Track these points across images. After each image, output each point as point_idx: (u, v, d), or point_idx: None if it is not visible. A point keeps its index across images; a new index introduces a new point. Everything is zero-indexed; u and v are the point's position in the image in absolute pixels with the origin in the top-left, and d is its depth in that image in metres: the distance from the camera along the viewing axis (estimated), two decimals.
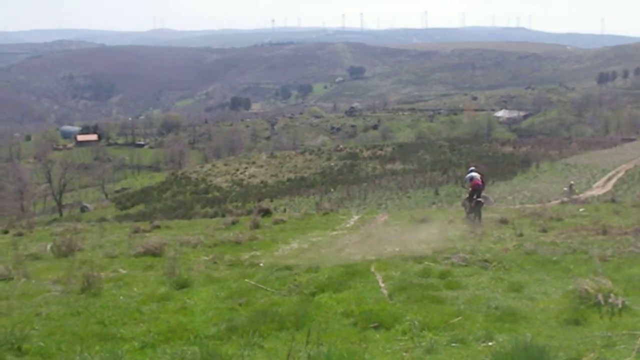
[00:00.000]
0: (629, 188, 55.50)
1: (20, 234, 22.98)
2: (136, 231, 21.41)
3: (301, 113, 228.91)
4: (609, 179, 64.23)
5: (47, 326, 7.96)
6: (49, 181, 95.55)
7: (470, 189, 21.76)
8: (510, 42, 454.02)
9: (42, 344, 7.14)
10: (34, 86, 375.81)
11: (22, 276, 11.53)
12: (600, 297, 7.70)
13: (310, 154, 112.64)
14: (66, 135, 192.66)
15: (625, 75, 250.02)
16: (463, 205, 23.63)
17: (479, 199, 21.43)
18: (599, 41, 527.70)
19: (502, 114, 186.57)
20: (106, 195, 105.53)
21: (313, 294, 9.23)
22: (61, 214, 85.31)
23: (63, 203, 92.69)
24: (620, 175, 66.56)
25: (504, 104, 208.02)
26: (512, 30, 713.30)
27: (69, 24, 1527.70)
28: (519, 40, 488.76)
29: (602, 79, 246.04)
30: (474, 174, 22.05)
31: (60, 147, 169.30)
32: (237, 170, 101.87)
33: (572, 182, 46.05)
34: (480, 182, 21.81)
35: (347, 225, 20.57)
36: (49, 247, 16.20)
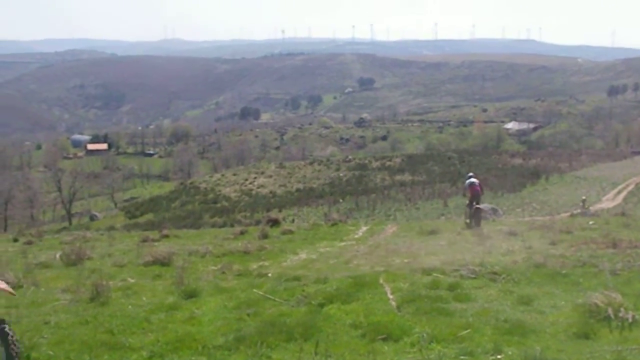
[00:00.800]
0: (639, 201, 55.19)
1: (29, 242, 23.03)
2: (145, 240, 21.42)
3: (310, 123, 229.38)
4: (619, 192, 63.91)
5: (56, 335, 7.98)
6: (59, 190, 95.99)
7: (469, 195, 22.17)
8: (520, 54, 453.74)
9: (51, 352, 7.17)
10: (45, 95, 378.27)
11: (32, 284, 11.58)
12: (610, 311, 7.67)
13: (319, 164, 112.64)
14: (76, 144, 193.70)
15: (636, 88, 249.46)
16: (465, 213, 23.90)
17: (478, 206, 21.79)
18: (609, 54, 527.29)
19: (511, 125, 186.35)
20: (115, 204, 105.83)
21: (321, 305, 9.22)
22: (70, 223, 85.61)
23: (72, 212, 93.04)
24: (630, 188, 66.22)
25: (513, 116, 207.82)
26: (522, 43, 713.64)
27: (81, 33, 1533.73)
28: (529, 53, 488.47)
29: (613, 91, 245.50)
30: (472, 180, 22.51)
31: (71, 156, 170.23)
32: (246, 180, 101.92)
33: (584, 197, 45.89)
34: (478, 188, 22.59)
35: (356, 236, 20.51)
36: (58, 255, 16.25)
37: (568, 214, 35.50)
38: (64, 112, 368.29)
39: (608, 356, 6.45)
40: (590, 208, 45.90)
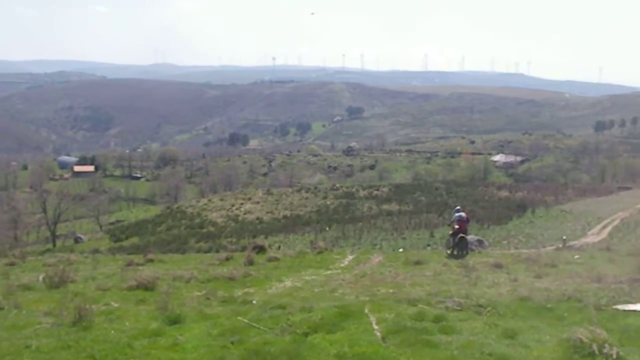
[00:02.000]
0: (624, 236, 55.42)
1: (12, 264, 22.82)
2: (129, 264, 21.29)
3: (299, 151, 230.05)
4: (605, 227, 64.21)
5: (37, 359, 7.89)
6: (44, 211, 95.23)
7: (457, 227, 22.45)
8: (508, 88, 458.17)
9: None
10: (33, 116, 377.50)
11: (13, 307, 11.46)
12: (594, 347, 7.67)
13: (307, 191, 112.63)
14: (63, 166, 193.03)
15: (623, 124, 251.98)
16: (447, 242, 24.17)
17: (462, 235, 22.09)
18: (596, 89, 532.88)
19: (499, 158, 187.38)
20: (100, 226, 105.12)
21: (306, 334, 9.17)
22: (54, 245, 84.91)
23: (57, 233, 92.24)
24: (615, 223, 66.56)
25: (501, 148, 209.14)
26: (511, 76, 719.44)
27: (71, 55, 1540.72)
28: (517, 86, 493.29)
29: (599, 127, 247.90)
30: (461, 214, 22.87)
31: (57, 177, 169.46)
32: (233, 205, 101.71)
33: (564, 237, 46.12)
34: (466, 224, 23.14)
35: (342, 265, 20.49)
36: (41, 277, 16.12)
37: (553, 247, 35.60)
38: (51, 133, 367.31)
39: None
40: (575, 243, 46.07)
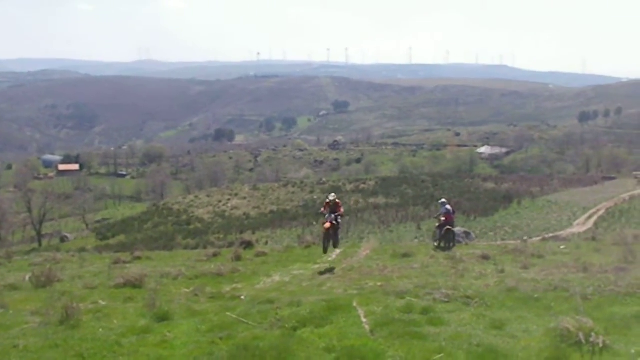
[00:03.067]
0: (609, 226, 55.80)
1: None
2: (116, 262, 21.22)
3: (285, 146, 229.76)
4: (590, 217, 64.64)
5: (25, 359, 7.85)
6: (29, 210, 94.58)
7: (443, 219, 22.45)
8: (493, 80, 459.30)
9: None
10: (16, 115, 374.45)
11: (0, 307, 11.39)
12: (581, 335, 7.72)
13: (293, 186, 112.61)
14: (47, 165, 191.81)
15: (607, 114, 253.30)
16: (434, 234, 24.22)
17: (449, 227, 22.12)
18: (580, 80, 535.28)
19: (484, 150, 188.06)
20: (87, 225, 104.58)
21: (295, 329, 9.18)
22: (40, 244, 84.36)
23: (43, 233, 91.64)
24: (601, 213, 67.01)
25: (486, 140, 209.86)
26: (496, 68, 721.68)
27: (54, 53, 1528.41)
28: (502, 78, 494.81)
29: (584, 117, 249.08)
30: (447, 207, 22.85)
31: (41, 176, 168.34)
32: (220, 201, 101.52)
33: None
34: (452, 216, 23.09)
35: (329, 259, 20.51)
36: (27, 277, 16.02)
37: (540, 238, 35.78)
38: (35, 132, 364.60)
39: None
40: (561, 233, 46.33)
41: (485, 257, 18.60)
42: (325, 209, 19.71)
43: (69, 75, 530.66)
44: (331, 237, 19.48)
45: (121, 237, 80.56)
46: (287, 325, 9.35)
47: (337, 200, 19.68)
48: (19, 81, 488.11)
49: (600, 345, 7.55)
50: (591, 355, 7.37)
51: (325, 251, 19.85)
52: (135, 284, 14.22)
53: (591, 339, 7.63)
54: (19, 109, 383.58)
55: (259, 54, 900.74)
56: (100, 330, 9.45)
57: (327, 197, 19.91)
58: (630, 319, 9.11)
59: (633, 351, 7.41)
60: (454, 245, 22.63)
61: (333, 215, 19.22)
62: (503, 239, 42.58)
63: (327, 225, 19.14)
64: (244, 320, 9.82)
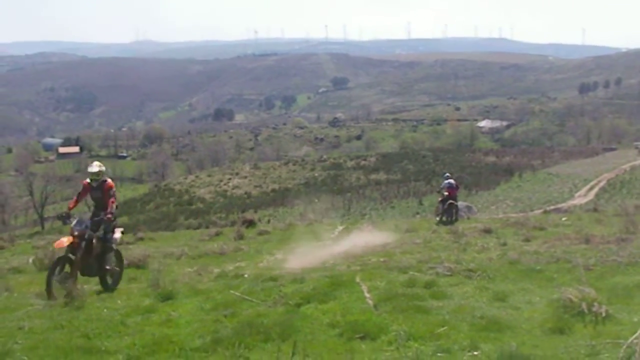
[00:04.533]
0: (610, 197, 55.91)
1: (1, 248, 22.79)
2: (119, 243, 21.27)
3: (285, 124, 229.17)
4: (591, 188, 64.72)
5: (30, 340, 7.89)
6: (31, 194, 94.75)
7: (446, 193, 22.44)
8: (492, 53, 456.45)
9: (25, 358, 7.08)
10: (15, 98, 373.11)
11: (4, 290, 11.44)
12: (584, 306, 7.75)
13: (294, 164, 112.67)
14: (48, 148, 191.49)
15: (607, 85, 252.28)
16: (436, 209, 24.24)
17: (451, 202, 22.11)
18: (580, 51, 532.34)
19: (484, 124, 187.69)
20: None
21: (298, 305, 9.21)
22: (43, 227, 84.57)
23: (45, 216, 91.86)
24: (602, 184, 67.09)
25: (486, 114, 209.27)
26: (494, 41, 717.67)
27: (51, 36, 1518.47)
28: (501, 51, 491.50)
29: (584, 89, 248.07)
30: (450, 181, 22.83)
31: (42, 159, 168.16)
32: (221, 181, 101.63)
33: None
34: (455, 190, 22.72)
35: (332, 236, 20.56)
36: (31, 260, 16.09)
37: (541, 210, 35.84)
38: (34, 115, 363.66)
39: (582, 351, 6.51)
40: (563, 205, 46.37)
41: (487, 231, 18.67)
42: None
43: (66, 58, 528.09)
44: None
45: (123, 219, 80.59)
46: (290, 302, 9.38)
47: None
48: (17, 64, 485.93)
49: (603, 314, 7.58)
50: (594, 325, 7.40)
51: None
52: (139, 265, 14.30)
53: (594, 309, 7.66)
54: (18, 93, 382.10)
55: (256, 32, 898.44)
56: (105, 310, 9.49)
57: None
58: (633, 288, 9.14)
59: (635, 319, 7.44)
60: (456, 219, 22.69)
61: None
62: (505, 212, 42.64)
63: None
64: (248, 297, 9.85)
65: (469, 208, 32.85)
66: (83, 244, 10.72)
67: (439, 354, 6.67)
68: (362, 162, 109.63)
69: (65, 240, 10.65)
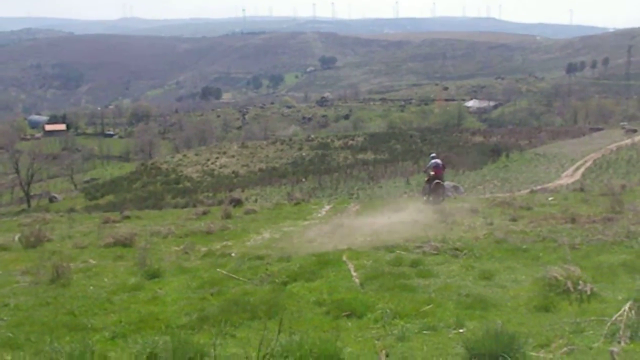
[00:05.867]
0: (597, 177, 56.18)
1: None
2: (106, 222, 21.22)
3: (272, 103, 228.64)
4: (578, 168, 65.03)
5: (16, 317, 7.87)
6: (17, 171, 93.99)
7: (432, 173, 22.35)
8: (480, 32, 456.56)
9: (10, 334, 7.06)
10: (1, 75, 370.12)
11: None
12: (569, 284, 7.79)
13: (282, 144, 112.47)
14: (34, 125, 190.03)
15: (594, 65, 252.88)
16: (423, 189, 24.18)
17: (438, 181, 22.04)
18: (567, 31, 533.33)
19: (472, 104, 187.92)
20: (75, 185, 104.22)
21: (285, 284, 9.23)
22: (29, 205, 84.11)
23: (31, 194, 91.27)
24: (588, 164, 67.43)
25: (474, 94, 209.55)
26: (482, 21, 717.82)
27: (37, 12, 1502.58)
28: (489, 31, 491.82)
29: (571, 69, 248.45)
30: (436, 161, 22.71)
31: (28, 137, 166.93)
32: (208, 160, 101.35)
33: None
34: (442, 170, 22.67)
35: (319, 215, 20.57)
36: (17, 237, 16.00)
37: (528, 190, 35.98)
38: (20, 92, 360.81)
39: (567, 328, 6.55)
40: (549, 185, 46.59)
41: (474, 211, 18.71)
42: None
43: (53, 34, 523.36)
44: None
45: (110, 197, 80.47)
46: (277, 280, 9.40)
47: None
48: (2, 41, 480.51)
49: (588, 292, 7.63)
50: (579, 303, 7.45)
51: None
52: (125, 243, 14.23)
53: (579, 287, 7.71)
54: (3, 69, 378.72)
55: (244, 10, 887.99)
56: (91, 288, 9.48)
57: None
58: (617, 267, 9.21)
59: (620, 297, 7.49)
60: (443, 199, 22.71)
61: None
62: (492, 192, 42.78)
63: None
64: (234, 276, 9.86)
65: (456, 188, 33.00)
66: None
67: (424, 332, 6.70)
68: (350, 142, 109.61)
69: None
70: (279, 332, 6.34)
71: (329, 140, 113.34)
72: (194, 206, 35.16)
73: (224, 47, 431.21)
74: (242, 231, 16.82)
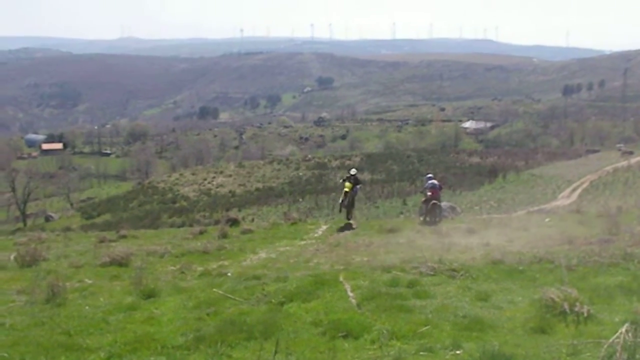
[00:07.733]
0: (593, 198, 56.27)
1: None
2: (102, 241, 21.12)
3: (270, 123, 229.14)
4: (574, 190, 65.14)
5: (11, 336, 7.83)
6: (13, 190, 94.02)
7: (429, 194, 22.36)
8: (477, 54, 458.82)
9: (5, 354, 7.03)
10: None
11: None
12: (566, 305, 7.79)
13: (279, 163, 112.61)
14: (31, 144, 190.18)
15: (590, 87, 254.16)
16: (419, 209, 24.18)
17: (435, 202, 22.06)
18: (564, 54, 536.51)
19: (469, 124, 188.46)
20: (71, 204, 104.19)
21: (282, 304, 9.20)
22: (25, 224, 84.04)
23: (27, 212, 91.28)
24: (585, 186, 67.55)
25: (471, 115, 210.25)
26: (479, 42, 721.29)
27: (36, 31, 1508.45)
28: (486, 52, 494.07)
29: (567, 91, 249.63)
30: (433, 182, 22.75)
31: (25, 155, 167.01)
32: (205, 179, 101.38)
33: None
34: (438, 191, 22.69)
35: (316, 235, 20.53)
36: (12, 257, 15.92)
37: (525, 211, 36.01)
38: (18, 111, 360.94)
39: (564, 350, 6.54)
40: (546, 206, 46.62)
41: (470, 231, 18.68)
42: None
43: (51, 54, 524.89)
44: None
45: (106, 216, 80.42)
46: (273, 301, 9.37)
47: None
48: (0, 60, 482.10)
49: (585, 314, 7.62)
50: (576, 325, 7.44)
51: None
52: (121, 262, 14.18)
53: (576, 309, 7.70)
54: (1, 88, 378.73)
55: (242, 30, 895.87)
56: (87, 307, 9.44)
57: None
58: (614, 289, 9.20)
59: (617, 319, 7.49)
60: (440, 219, 22.69)
61: None
62: (488, 213, 42.79)
63: None
64: (231, 296, 9.83)
65: (452, 208, 32.90)
66: None
67: (421, 353, 6.68)
68: (347, 162, 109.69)
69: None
70: (276, 352, 6.34)
71: (326, 160, 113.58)
72: (191, 225, 35.14)
73: (221, 67, 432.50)
74: (238, 251, 16.78)
